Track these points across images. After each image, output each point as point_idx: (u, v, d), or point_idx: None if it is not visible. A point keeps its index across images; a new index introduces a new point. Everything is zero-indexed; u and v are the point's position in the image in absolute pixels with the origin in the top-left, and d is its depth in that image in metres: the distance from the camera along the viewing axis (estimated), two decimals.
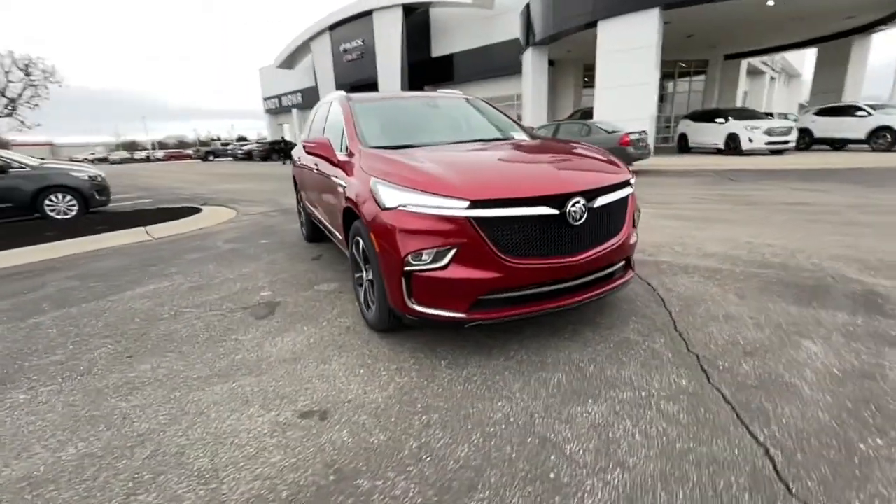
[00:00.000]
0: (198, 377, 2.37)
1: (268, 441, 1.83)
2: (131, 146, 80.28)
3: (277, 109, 43.48)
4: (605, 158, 2.86)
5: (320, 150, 3.15)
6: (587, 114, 17.19)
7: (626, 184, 2.64)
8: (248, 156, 35.34)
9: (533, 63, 19.56)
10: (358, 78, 32.65)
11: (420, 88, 29.87)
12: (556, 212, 2.27)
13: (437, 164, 2.48)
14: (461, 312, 2.22)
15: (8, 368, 2.57)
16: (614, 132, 11.17)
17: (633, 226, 2.73)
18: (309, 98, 37.13)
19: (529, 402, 1.99)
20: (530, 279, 2.27)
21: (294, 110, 40.79)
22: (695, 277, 3.42)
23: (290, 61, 38.47)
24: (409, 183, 2.32)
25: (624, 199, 2.61)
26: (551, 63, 22.70)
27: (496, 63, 25.64)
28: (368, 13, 29.32)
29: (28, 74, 6.86)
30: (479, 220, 2.17)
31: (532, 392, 2.05)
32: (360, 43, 31.01)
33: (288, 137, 42.40)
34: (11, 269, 4.82)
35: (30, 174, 8.07)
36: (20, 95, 6.63)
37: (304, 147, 3.31)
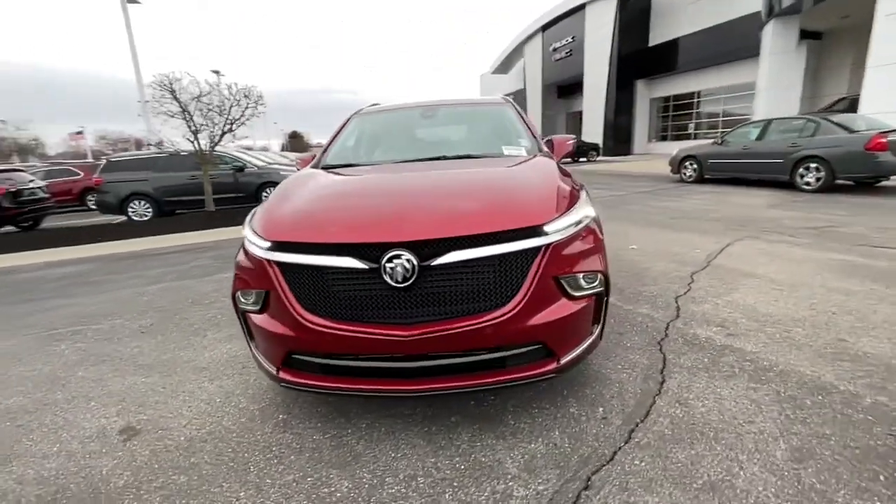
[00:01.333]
0: None
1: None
2: None
3: None
4: (536, 193, 1.97)
5: (299, 166, 3.22)
6: (854, 104, 12.25)
7: (524, 234, 1.75)
8: None
9: (773, 39, 15.11)
10: (564, 76, 31.75)
11: (631, 82, 26.99)
12: (366, 266, 1.72)
13: (308, 191, 2.21)
14: (274, 367, 1.93)
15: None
16: (863, 131, 7.64)
17: (567, 294, 1.82)
18: (518, 101, 38.11)
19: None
20: (342, 347, 1.79)
21: None
22: None
23: (504, 66, 40.32)
24: (255, 213, 2.16)
25: (519, 257, 1.77)
26: (816, 36, 17.10)
27: (732, 44, 20.93)
28: (581, 7, 27.99)
29: (247, 97, 9.34)
30: (280, 264, 1.83)
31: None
32: (570, 40, 29.95)
33: None
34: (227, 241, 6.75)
35: (256, 172, 10.92)
36: (238, 118, 9.08)
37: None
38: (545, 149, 2.94)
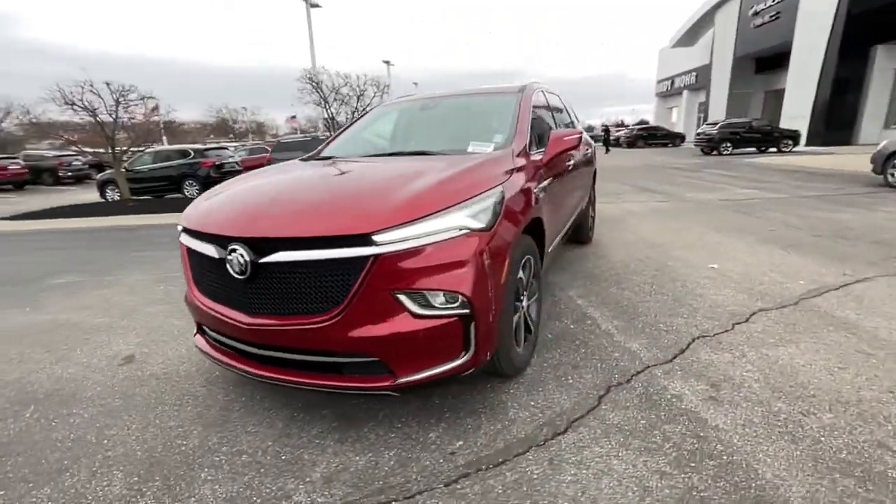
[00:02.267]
0: None
1: None
2: None
3: (668, 92, 40.57)
4: (385, 200, 1.76)
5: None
6: None
7: (350, 242, 1.63)
8: (616, 142, 35.50)
9: None
10: (764, 46, 25.92)
11: (863, 50, 20.68)
12: (217, 255, 1.84)
13: (237, 183, 2.42)
14: (193, 333, 2.25)
15: None
16: None
17: (409, 310, 1.66)
18: (703, 77, 32.61)
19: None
20: (212, 324, 1.99)
21: (685, 92, 36.89)
22: None
23: (688, 38, 34.75)
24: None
25: (343, 264, 1.65)
26: None
27: None
28: None
29: (375, 86, 10.29)
30: (185, 246, 2.09)
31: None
32: (777, 1, 24.05)
33: (674, 120, 39.25)
34: None
35: None
36: (367, 105, 9.96)
37: None
38: (521, 147, 2.59)
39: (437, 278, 1.69)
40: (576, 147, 2.78)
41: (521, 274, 2.17)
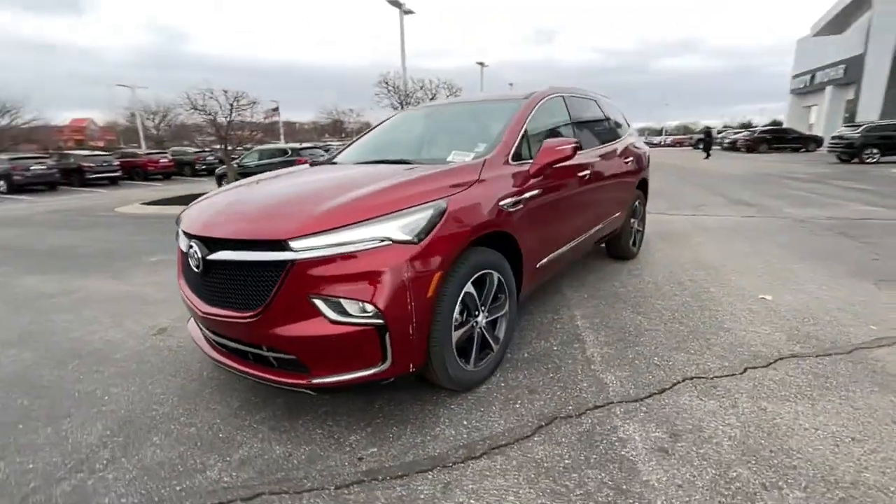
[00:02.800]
0: None
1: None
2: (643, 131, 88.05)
3: (806, 89, 34.80)
4: (315, 208, 1.83)
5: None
6: None
7: (271, 246, 1.74)
8: (733, 146, 31.42)
9: None
10: None
11: None
12: (185, 249, 2.08)
13: (241, 183, 2.68)
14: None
15: None
16: None
17: (325, 315, 1.72)
18: (853, 71, 27.44)
19: None
20: (187, 307, 2.26)
21: (828, 88, 31.31)
22: None
23: (837, 23, 29.46)
24: None
25: (266, 267, 1.76)
26: None
27: None
28: None
29: (448, 89, 10.29)
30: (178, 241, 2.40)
31: None
32: None
33: (812, 121, 33.74)
34: None
35: None
36: None
37: None
38: (501, 156, 2.49)
39: (352, 287, 1.74)
40: (569, 156, 2.60)
41: (469, 289, 2.11)
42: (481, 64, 29.21)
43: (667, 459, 1.72)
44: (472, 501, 1.56)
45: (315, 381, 1.80)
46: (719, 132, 40.27)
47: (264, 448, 1.90)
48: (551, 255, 2.88)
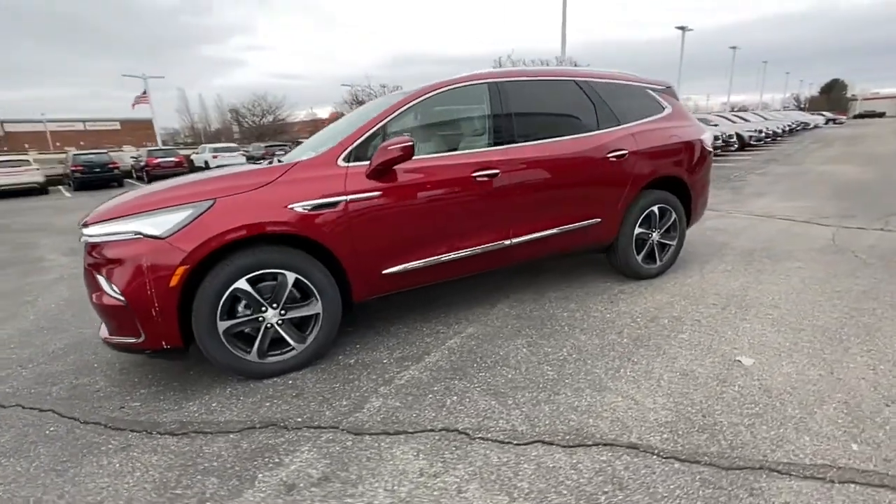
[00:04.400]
0: None
1: None
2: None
3: None
4: (136, 199, 2.25)
5: None
6: None
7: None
8: None
9: None
10: None
11: None
12: None
13: None
14: None
15: None
16: None
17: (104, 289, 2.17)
18: None
19: None
20: None
21: None
22: None
23: None
24: None
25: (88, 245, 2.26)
26: None
27: None
28: None
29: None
30: None
31: None
32: None
33: None
34: None
35: None
36: None
37: None
38: (328, 157, 2.46)
39: (110, 269, 2.15)
40: (400, 157, 2.36)
41: (243, 285, 2.24)
42: (682, 28, 24.57)
43: (292, 497, 1.59)
44: (117, 467, 1.81)
45: (105, 338, 2.31)
46: None
47: (127, 402, 2.40)
48: (417, 263, 2.66)
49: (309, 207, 2.34)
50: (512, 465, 1.68)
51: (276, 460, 1.79)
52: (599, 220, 3.26)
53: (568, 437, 1.81)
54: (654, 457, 1.68)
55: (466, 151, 2.80)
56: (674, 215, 3.61)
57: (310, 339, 2.46)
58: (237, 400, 2.24)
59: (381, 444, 1.84)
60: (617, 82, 3.48)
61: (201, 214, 2.16)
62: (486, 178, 2.76)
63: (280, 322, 2.37)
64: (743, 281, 3.44)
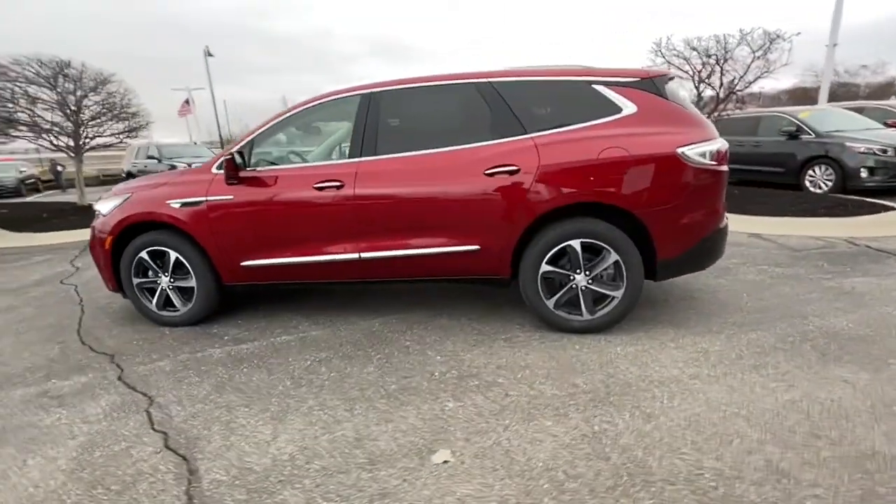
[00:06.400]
0: None
1: None
2: None
3: None
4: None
5: None
6: None
7: None
8: None
9: None
10: None
11: None
12: None
13: None
14: None
15: None
16: None
17: None
18: None
19: None
20: None
21: None
22: None
23: None
24: None
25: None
26: None
27: None
28: None
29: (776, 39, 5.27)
30: None
31: None
32: None
33: None
34: None
35: (809, 141, 7.56)
36: (748, 67, 5.41)
37: None
38: (210, 162, 3.04)
39: (94, 232, 3.40)
40: (227, 168, 2.73)
41: (144, 256, 3.12)
42: None
43: None
44: None
45: None
46: None
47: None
48: (272, 261, 3.00)
49: (178, 204, 3.03)
50: None
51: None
52: (477, 247, 2.74)
53: None
54: None
55: (315, 164, 2.91)
56: (614, 256, 2.63)
57: (189, 305, 3.19)
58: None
59: None
60: (537, 80, 2.74)
61: (123, 203, 3.14)
62: (331, 190, 2.82)
63: (170, 287, 3.18)
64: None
